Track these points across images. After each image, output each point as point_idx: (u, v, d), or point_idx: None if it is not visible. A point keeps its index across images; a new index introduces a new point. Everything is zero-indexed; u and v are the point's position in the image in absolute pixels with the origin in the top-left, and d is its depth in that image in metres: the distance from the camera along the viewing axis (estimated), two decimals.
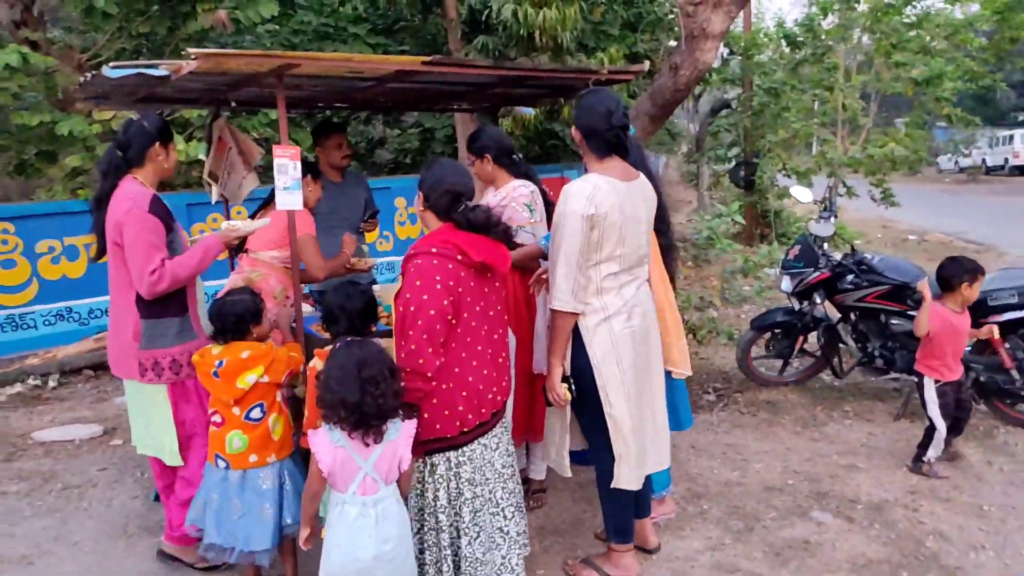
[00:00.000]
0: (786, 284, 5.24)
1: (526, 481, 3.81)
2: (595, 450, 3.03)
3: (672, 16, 12.83)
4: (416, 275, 2.58)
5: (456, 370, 2.64)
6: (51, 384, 6.40)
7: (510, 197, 3.62)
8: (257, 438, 2.95)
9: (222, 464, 2.95)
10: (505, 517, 2.79)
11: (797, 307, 5.27)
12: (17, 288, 7.20)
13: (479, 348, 2.68)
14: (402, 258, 8.83)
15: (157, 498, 3.48)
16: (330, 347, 2.86)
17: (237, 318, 2.98)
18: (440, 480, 2.70)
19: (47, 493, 4.11)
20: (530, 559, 3.28)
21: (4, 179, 10.19)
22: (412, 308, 2.55)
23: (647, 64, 4.70)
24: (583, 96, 2.98)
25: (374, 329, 3.20)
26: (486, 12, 8.92)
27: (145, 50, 9.53)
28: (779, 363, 5.50)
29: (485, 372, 2.70)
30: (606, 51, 9.18)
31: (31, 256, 7.24)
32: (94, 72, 3.57)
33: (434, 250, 2.61)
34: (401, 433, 2.48)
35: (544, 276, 3.24)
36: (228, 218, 4.53)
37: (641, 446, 2.96)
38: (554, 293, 2.82)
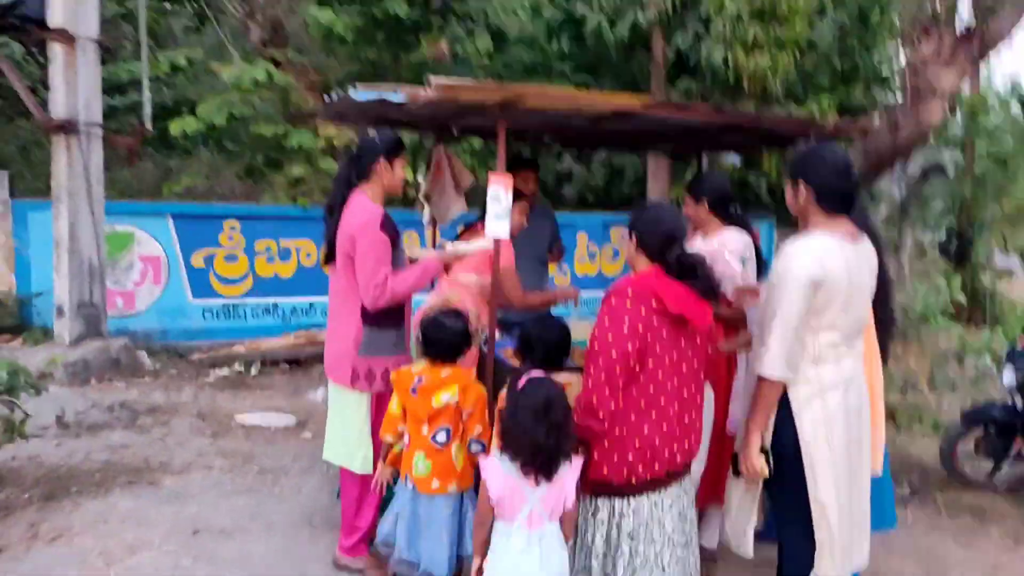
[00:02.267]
0: (1008, 377, 4.71)
1: None
2: (789, 536, 2.82)
3: (890, 71, 12.14)
4: (607, 314, 2.57)
5: (632, 417, 2.57)
6: (253, 372, 7.00)
7: (723, 247, 3.53)
8: (440, 464, 3.00)
9: (410, 485, 3.05)
10: None
11: (1020, 405, 4.72)
12: (235, 280, 7.99)
13: (662, 401, 2.60)
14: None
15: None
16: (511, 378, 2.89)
17: (457, 342, 3.08)
18: (600, 525, 2.64)
19: (246, 473, 4.48)
20: None
21: (234, 181, 11.35)
22: (596, 347, 2.55)
23: (875, 119, 4.46)
24: (814, 149, 2.79)
25: (565, 364, 3.22)
26: (694, 56, 8.87)
27: (369, 75, 10.30)
28: (989, 465, 4.95)
29: (665, 427, 2.61)
30: (816, 102, 8.79)
31: (250, 253, 8.01)
32: (342, 94, 3.89)
33: (630, 292, 2.58)
34: (569, 470, 2.49)
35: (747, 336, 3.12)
36: (432, 239, 4.76)
37: (849, 537, 2.71)
38: (765, 358, 2.63)
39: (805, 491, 2.66)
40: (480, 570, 2.57)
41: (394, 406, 3.11)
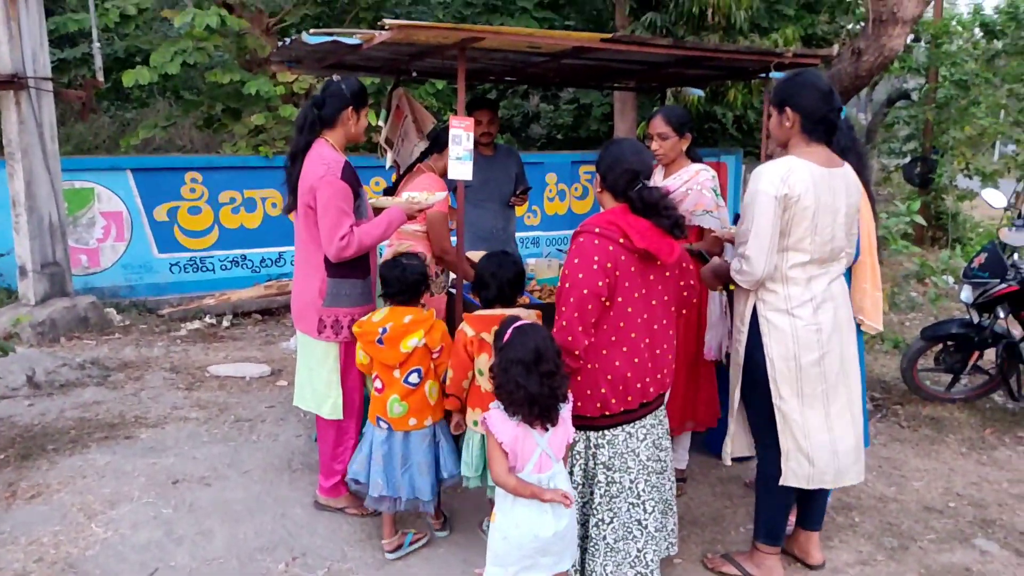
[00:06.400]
0: (966, 294, 4.86)
1: None
2: (760, 447, 2.96)
3: None
4: (576, 253, 2.62)
5: (604, 352, 2.63)
6: (224, 324, 6.97)
7: (694, 181, 3.54)
8: (415, 402, 3.08)
9: (384, 425, 3.10)
10: (645, 511, 2.75)
11: (976, 320, 4.88)
12: (201, 233, 7.88)
13: (632, 335, 2.65)
14: (548, 233, 8.91)
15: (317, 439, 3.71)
16: (495, 325, 2.92)
17: (416, 283, 3.11)
18: (577, 457, 2.73)
19: (222, 423, 4.51)
20: None
21: (193, 132, 11.09)
22: (567, 285, 2.60)
23: (835, 48, 4.47)
24: (799, 76, 2.82)
25: (526, 301, 3.27)
26: None
27: (326, 17, 10.03)
28: (947, 378, 5.13)
29: (636, 360, 2.67)
30: (781, 32, 8.75)
31: (215, 205, 7.88)
32: (293, 37, 3.80)
33: (597, 230, 2.61)
34: (567, 409, 2.52)
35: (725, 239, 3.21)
36: (396, 184, 4.72)
37: (831, 452, 2.82)
38: (742, 266, 2.73)
39: (772, 404, 2.80)
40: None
41: (361, 355, 3.16)
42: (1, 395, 4.16)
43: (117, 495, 3.57)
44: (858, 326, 3.14)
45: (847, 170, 2.81)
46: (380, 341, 3.04)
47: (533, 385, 2.39)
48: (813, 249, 2.73)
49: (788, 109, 2.76)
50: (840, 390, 2.83)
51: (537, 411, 2.41)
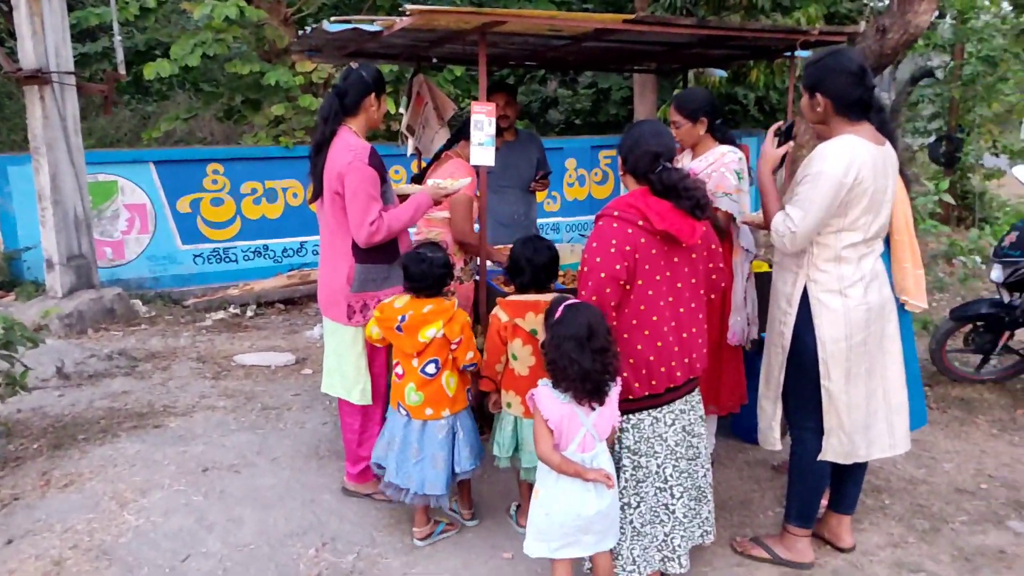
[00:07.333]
0: (996, 273, 4.78)
1: None
2: (798, 429, 2.94)
3: None
4: (594, 237, 2.61)
5: (625, 336, 2.62)
6: (248, 314, 7.03)
7: (719, 163, 3.48)
8: (432, 393, 3.05)
9: (403, 412, 3.10)
10: (672, 496, 2.73)
11: (1007, 299, 4.80)
12: (223, 224, 7.95)
13: (654, 318, 2.63)
14: (568, 219, 8.91)
15: None
16: (529, 310, 2.93)
17: (441, 276, 3.07)
18: None
19: (249, 411, 4.55)
20: None
21: (213, 124, 11.15)
22: (585, 269, 2.60)
23: (862, 25, 4.39)
24: (826, 58, 2.75)
25: (552, 286, 3.26)
26: None
27: (344, 5, 10.02)
28: (977, 359, 5.06)
29: (659, 344, 2.64)
30: (803, 10, 8.59)
31: (236, 196, 7.94)
32: (314, 26, 3.80)
33: (616, 213, 2.60)
34: (615, 389, 2.51)
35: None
36: (418, 172, 4.71)
37: (864, 426, 2.83)
38: (787, 237, 2.69)
39: (818, 381, 2.79)
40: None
41: (373, 330, 3.14)
42: (32, 386, 4.21)
43: (148, 483, 3.61)
44: (902, 305, 3.10)
45: (889, 148, 2.78)
46: (399, 328, 3.02)
47: (586, 361, 2.38)
48: (866, 228, 2.72)
49: (818, 95, 2.73)
50: (877, 368, 2.83)
51: (589, 387, 2.41)
